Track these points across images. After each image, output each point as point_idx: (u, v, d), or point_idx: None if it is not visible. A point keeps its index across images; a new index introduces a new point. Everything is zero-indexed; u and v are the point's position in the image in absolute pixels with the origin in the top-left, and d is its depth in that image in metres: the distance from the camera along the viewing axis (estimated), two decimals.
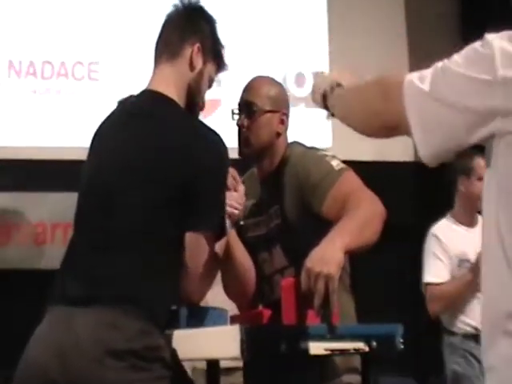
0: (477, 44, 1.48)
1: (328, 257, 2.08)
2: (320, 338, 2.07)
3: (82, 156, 2.23)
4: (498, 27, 1.51)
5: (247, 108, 2.53)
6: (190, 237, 2.06)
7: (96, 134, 2.24)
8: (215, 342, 2.03)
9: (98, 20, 4.35)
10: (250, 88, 2.56)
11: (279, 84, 2.63)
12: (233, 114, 2.55)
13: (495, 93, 1.44)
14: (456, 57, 1.50)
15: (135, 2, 4.34)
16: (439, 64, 1.53)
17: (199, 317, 2.20)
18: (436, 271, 3.76)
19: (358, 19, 4.75)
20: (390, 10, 4.79)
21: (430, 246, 3.81)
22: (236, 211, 2.35)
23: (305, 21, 4.73)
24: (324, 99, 1.88)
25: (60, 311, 2.00)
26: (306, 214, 2.43)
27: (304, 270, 2.08)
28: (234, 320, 2.26)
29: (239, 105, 2.56)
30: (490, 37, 1.46)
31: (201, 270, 2.07)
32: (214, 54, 2.24)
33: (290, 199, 2.48)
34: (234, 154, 2.30)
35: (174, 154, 2.05)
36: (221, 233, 2.14)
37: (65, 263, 2.10)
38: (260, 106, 2.52)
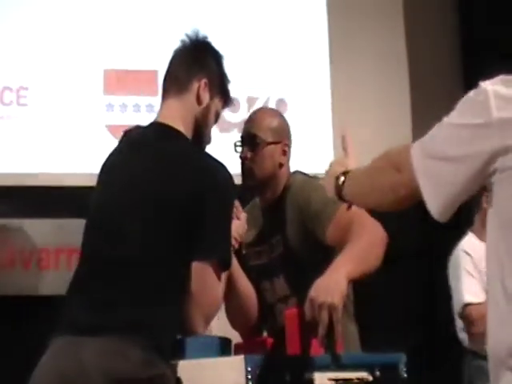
0: (471, 93, 1.53)
1: (332, 286, 2.10)
2: (324, 367, 2.07)
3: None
4: None
5: (250, 140, 2.56)
6: (196, 266, 2.08)
7: (105, 164, 2.27)
8: (220, 372, 2.04)
9: (28, 45, 4.38)
10: (252, 120, 2.60)
11: (280, 115, 2.67)
12: (235, 146, 2.58)
13: (493, 135, 1.47)
14: (452, 112, 1.55)
15: (63, 28, 4.39)
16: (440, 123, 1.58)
17: (204, 346, 2.18)
18: (474, 290, 3.48)
19: (359, 51, 4.75)
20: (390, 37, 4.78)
21: (462, 263, 3.56)
22: (235, 243, 2.36)
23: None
24: (337, 191, 1.90)
25: (66, 341, 2.02)
26: (308, 242, 2.45)
27: (308, 299, 2.09)
28: (237, 348, 2.27)
29: (242, 137, 2.59)
30: (484, 84, 1.51)
31: (206, 299, 2.09)
32: (221, 90, 2.28)
33: (292, 228, 2.50)
34: (236, 180, 2.29)
35: (182, 187, 2.08)
36: (227, 263, 2.16)
37: (71, 292, 2.12)
38: (263, 138, 2.55)
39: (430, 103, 4.29)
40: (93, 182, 2.27)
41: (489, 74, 1.55)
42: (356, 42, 4.69)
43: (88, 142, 4.33)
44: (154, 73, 4.20)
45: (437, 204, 1.56)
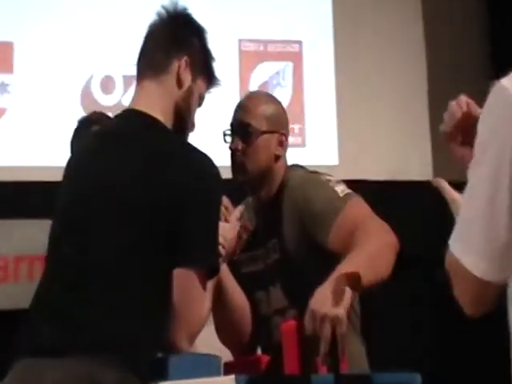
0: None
1: (335, 297, 1.97)
2: None
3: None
4: None
5: (241, 129, 2.39)
6: (178, 273, 1.92)
7: (71, 159, 2.12)
8: None
9: None
10: (243, 107, 2.43)
11: (276, 100, 2.51)
12: (224, 135, 2.42)
13: None
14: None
15: None
16: None
17: (189, 365, 2.02)
18: None
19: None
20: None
21: None
22: (222, 249, 2.22)
23: None
24: None
25: (27, 365, 1.87)
26: (308, 247, 2.30)
27: (308, 311, 1.98)
28: (228, 368, 2.13)
29: (232, 125, 2.42)
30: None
31: (190, 312, 1.94)
32: (204, 69, 2.12)
33: (290, 231, 2.35)
34: (225, 173, 2.15)
35: (160, 184, 1.92)
36: (214, 270, 2.00)
37: (34, 306, 1.97)
38: (256, 126, 2.39)
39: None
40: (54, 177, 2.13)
41: None
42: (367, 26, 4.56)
43: None
44: (9, 45, 3.98)
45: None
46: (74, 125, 2.98)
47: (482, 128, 1.43)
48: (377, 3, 4.63)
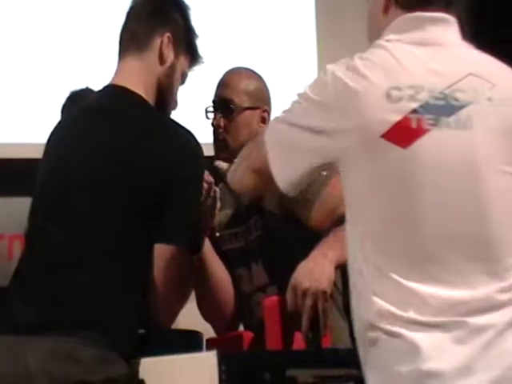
0: (323, 71, 1.71)
1: (317, 271, 2.00)
2: (309, 364, 1.97)
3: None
4: None
5: (223, 106, 2.40)
6: (159, 249, 1.94)
7: (52, 134, 2.11)
8: (189, 370, 1.93)
9: None
10: (225, 83, 2.44)
11: (259, 76, 2.51)
12: (207, 112, 2.43)
13: (329, 117, 1.66)
14: (308, 86, 1.72)
15: None
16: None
17: (170, 341, 2.08)
18: None
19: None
20: None
21: None
22: None
23: None
24: None
25: (6, 342, 1.88)
26: (290, 225, 2.32)
27: (290, 286, 2.00)
28: (210, 344, 2.17)
29: (214, 102, 2.43)
30: (330, 65, 1.70)
31: (172, 288, 1.96)
32: (187, 45, 2.12)
33: (272, 207, 2.36)
34: (207, 151, 2.17)
35: (141, 159, 1.94)
36: (196, 246, 2.03)
37: (13, 284, 1.98)
38: (238, 103, 2.40)
39: None
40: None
41: None
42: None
43: None
44: None
45: (284, 173, 1.71)
46: (58, 100, 2.98)
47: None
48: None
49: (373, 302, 1.60)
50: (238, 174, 1.87)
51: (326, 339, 2.00)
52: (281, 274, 2.15)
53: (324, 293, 1.98)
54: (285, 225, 2.34)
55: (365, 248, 1.63)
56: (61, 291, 1.88)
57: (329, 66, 1.69)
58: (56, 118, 2.94)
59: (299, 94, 1.72)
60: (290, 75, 4.04)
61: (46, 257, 1.93)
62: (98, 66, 3.69)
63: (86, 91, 2.92)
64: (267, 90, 2.48)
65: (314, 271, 1.99)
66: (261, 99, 2.43)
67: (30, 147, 3.81)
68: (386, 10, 1.74)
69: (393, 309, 1.58)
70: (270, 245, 2.37)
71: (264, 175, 1.75)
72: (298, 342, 2.02)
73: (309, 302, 1.96)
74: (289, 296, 1.99)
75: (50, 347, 1.82)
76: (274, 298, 2.08)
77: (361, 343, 1.65)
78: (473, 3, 4.42)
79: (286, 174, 1.71)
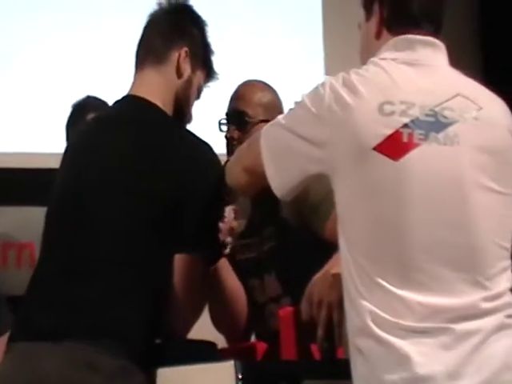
0: (321, 82, 1.78)
1: (332, 283, 1.97)
2: (324, 375, 1.96)
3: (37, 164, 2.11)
4: None
5: (237, 118, 2.43)
6: (178, 260, 1.97)
7: (70, 145, 2.15)
8: (206, 380, 1.93)
9: None
10: (239, 95, 2.47)
11: (272, 89, 2.54)
12: (220, 124, 2.45)
13: (323, 128, 1.73)
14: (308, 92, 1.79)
15: None
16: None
17: (185, 351, 2.07)
18: None
19: None
20: None
21: None
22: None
23: None
24: None
25: (24, 348, 1.89)
26: (304, 235, 2.34)
27: (305, 296, 2.00)
28: (223, 354, 2.15)
29: (227, 115, 2.46)
30: (328, 78, 1.77)
31: (189, 297, 1.99)
32: (204, 61, 2.15)
33: (286, 220, 2.38)
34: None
35: (160, 170, 1.96)
36: (214, 257, 2.05)
37: (31, 290, 1.99)
38: (252, 115, 2.43)
39: None
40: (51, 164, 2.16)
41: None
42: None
43: None
44: None
45: (278, 177, 1.79)
46: (65, 110, 2.98)
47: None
48: None
49: (362, 307, 1.67)
50: (231, 170, 1.94)
51: (340, 350, 1.97)
52: (294, 285, 2.15)
53: (339, 304, 1.94)
54: (299, 235, 2.36)
55: (355, 255, 1.70)
56: (78, 299, 1.89)
57: (327, 79, 1.77)
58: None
59: (297, 102, 1.79)
60: (296, 88, 4.06)
61: (64, 265, 1.94)
62: (108, 75, 3.72)
63: (90, 100, 2.93)
64: (281, 103, 2.50)
65: (329, 282, 1.97)
66: (274, 111, 2.40)
67: (38, 157, 3.85)
68: (378, 35, 1.84)
69: (382, 314, 1.65)
70: (283, 255, 2.39)
71: (256, 174, 1.84)
72: (313, 352, 2.01)
73: (324, 312, 1.95)
74: (304, 306, 1.98)
75: (69, 355, 1.83)
76: (289, 309, 2.09)
77: (351, 351, 1.71)
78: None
79: (279, 178, 1.79)
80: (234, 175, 1.94)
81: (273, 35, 4.39)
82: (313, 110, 1.74)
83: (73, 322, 1.87)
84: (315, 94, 1.76)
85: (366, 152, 1.68)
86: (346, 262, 1.73)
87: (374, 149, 1.68)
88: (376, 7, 1.84)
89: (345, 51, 4.55)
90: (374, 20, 1.84)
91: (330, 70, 4.44)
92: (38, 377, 1.83)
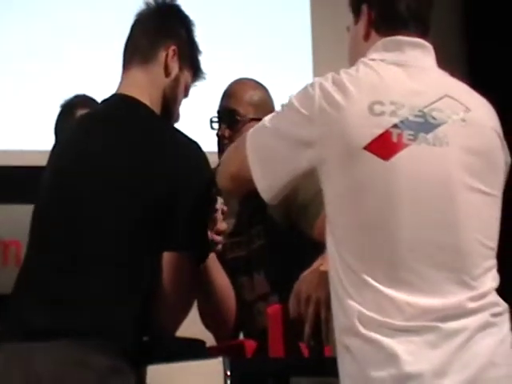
0: (309, 83, 1.80)
1: (320, 280, 1.98)
2: (312, 372, 1.98)
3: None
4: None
5: (228, 116, 2.45)
6: (167, 258, 1.97)
7: (58, 143, 2.15)
8: (196, 377, 1.94)
9: None
10: (230, 94, 2.48)
11: (263, 87, 2.55)
12: (211, 122, 2.47)
13: (313, 128, 1.74)
14: (294, 96, 1.81)
15: None
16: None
17: (173, 349, 2.07)
18: None
19: None
20: None
21: None
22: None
23: None
24: None
25: (15, 348, 1.88)
26: (293, 234, 2.36)
27: (293, 294, 2.01)
28: (211, 352, 2.14)
29: (219, 113, 2.48)
30: (317, 78, 1.79)
31: (178, 295, 1.99)
32: (191, 60, 2.15)
33: (275, 218, 2.40)
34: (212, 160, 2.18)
35: (148, 168, 1.96)
36: (202, 256, 2.05)
37: (20, 289, 1.98)
38: (243, 113, 2.45)
39: None
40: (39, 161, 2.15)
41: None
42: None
43: None
44: None
45: (264, 179, 1.80)
46: (52, 107, 2.97)
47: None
48: None
49: (349, 306, 1.69)
50: (220, 175, 1.97)
51: (328, 347, 1.99)
52: (282, 283, 2.17)
53: (326, 301, 1.96)
54: (287, 234, 2.38)
55: (343, 254, 1.72)
56: (69, 297, 1.89)
57: (316, 79, 1.78)
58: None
59: (285, 104, 1.81)
60: (285, 86, 4.08)
61: (54, 263, 1.94)
62: (100, 74, 3.72)
63: (78, 98, 2.91)
64: (272, 101, 2.51)
65: (316, 280, 1.99)
66: (265, 110, 2.42)
67: (23, 155, 3.84)
68: (366, 36, 1.86)
69: (369, 314, 1.67)
70: (272, 254, 2.41)
71: (242, 178, 1.86)
72: (301, 349, 2.03)
73: (311, 309, 1.97)
74: (292, 303, 2.00)
75: (61, 354, 1.83)
76: (277, 306, 2.09)
77: (338, 349, 1.74)
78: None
79: (266, 181, 1.81)
80: (223, 180, 1.96)
81: (261, 33, 4.42)
82: (302, 110, 1.75)
83: (64, 321, 1.87)
84: (304, 94, 1.78)
85: (357, 151, 1.71)
86: (334, 261, 1.75)
87: (365, 148, 1.70)
88: (364, 9, 1.86)
89: (333, 48, 4.58)
90: (363, 22, 1.87)
91: (318, 68, 4.48)
92: (29, 377, 1.83)
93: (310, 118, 1.74)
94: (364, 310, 1.68)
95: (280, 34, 4.44)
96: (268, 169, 1.80)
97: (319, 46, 4.52)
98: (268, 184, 1.81)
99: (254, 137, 1.84)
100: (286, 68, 4.36)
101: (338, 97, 1.73)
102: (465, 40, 4.77)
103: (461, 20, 4.80)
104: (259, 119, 2.37)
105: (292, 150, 1.76)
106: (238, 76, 2.58)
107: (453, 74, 1.89)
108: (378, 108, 1.72)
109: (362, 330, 1.68)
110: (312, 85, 1.77)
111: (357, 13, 1.89)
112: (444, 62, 1.91)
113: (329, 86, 1.75)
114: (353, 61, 1.87)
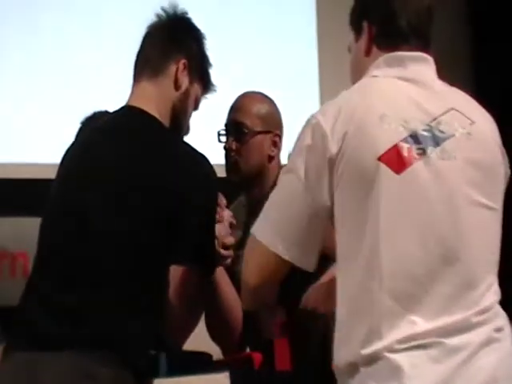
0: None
1: (328, 293, 1.97)
2: None
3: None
4: None
5: (236, 129, 2.45)
6: (175, 270, 1.99)
7: (66, 154, 2.14)
8: None
9: None
10: (238, 107, 2.48)
11: (271, 101, 2.55)
12: (219, 135, 2.47)
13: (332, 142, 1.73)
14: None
15: None
16: None
17: (181, 362, 2.11)
18: None
19: None
20: None
21: None
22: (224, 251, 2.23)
23: None
24: None
25: (20, 359, 1.88)
26: None
27: (301, 306, 2.03)
28: (219, 365, 2.19)
29: (226, 125, 2.48)
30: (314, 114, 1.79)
31: (185, 308, 2.02)
32: (201, 73, 2.15)
33: None
34: (221, 172, 2.23)
35: (156, 182, 1.96)
36: (209, 269, 2.06)
37: (29, 299, 1.98)
38: (250, 126, 2.44)
39: None
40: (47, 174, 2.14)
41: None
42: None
43: None
44: None
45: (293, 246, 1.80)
46: (60, 120, 2.97)
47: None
48: None
49: (359, 324, 1.69)
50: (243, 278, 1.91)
51: None
52: (288, 296, 2.13)
53: (333, 315, 1.92)
54: None
55: (354, 269, 1.71)
56: (77, 306, 1.89)
57: (317, 111, 1.79)
58: (66, 138, 2.99)
59: (285, 171, 1.81)
60: (292, 100, 4.11)
61: (64, 275, 1.94)
62: (110, 86, 3.72)
63: (97, 114, 2.94)
64: (279, 114, 2.52)
65: (324, 293, 2.01)
66: (273, 123, 2.47)
67: (30, 167, 3.85)
68: (367, 52, 1.87)
69: (378, 331, 1.67)
70: None
71: (270, 269, 1.83)
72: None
73: (319, 323, 1.99)
74: (299, 317, 2.02)
75: (69, 365, 1.82)
76: (284, 319, 2.11)
77: (339, 376, 1.74)
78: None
79: (300, 252, 1.79)
80: (249, 281, 1.90)
81: (268, 46, 4.44)
82: (310, 143, 1.75)
83: (72, 332, 1.87)
84: (307, 136, 1.77)
85: (371, 162, 1.71)
86: (342, 275, 1.75)
87: (379, 159, 1.70)
88: (365, 25, 1.87)
89: (339, 61, 4.60)
90: (364, 38, 1.87)
91: (324, 82, 4.49)
92: None
93: (326, 137, 1.74)
94: (373, 327, 1.68)
95: (287, 50, 4.45)
96: (297, 241, 1.79)
97: (325, 60, 4.53)
98: (302, 252, 1.81)
99: (259, 231, 1.85)
100: (292, 81, 4.38)
101: (348, 109, 1.74)
102: (470, 50, 4.78)
103: (466, 31, 4.81)
104: (266, 132, 2.46)
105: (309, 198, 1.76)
106: (246, 89, 2.59)
107: (457, 84, 1.90)
108: (387, 122, 1.73)
109: (370, 348, 1.67)
110: (315, 116, 1.78)
111: (358, 30, 1.89)
112: (448, 73, 1.92)
113: (340, 99, 1.78)
114: (355, 78, 1.88)
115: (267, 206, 1.83)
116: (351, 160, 1.71)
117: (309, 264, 1.80)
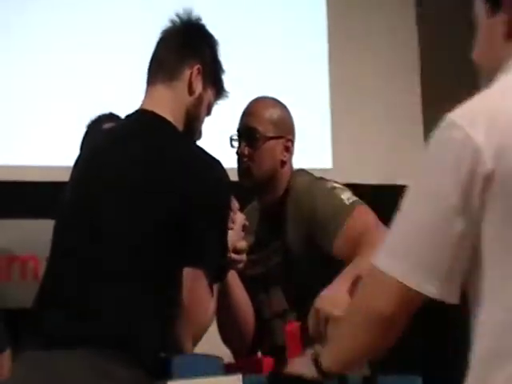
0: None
1: (340, 298, 2.01)
2: None
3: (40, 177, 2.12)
4: None
5: (248, 134, 2.45)
6: (187, 273, 1.99)
7: (81, 158, 2.16)
8: None
9: None
10: (250, 112, 2.49)
11: (283, 106, 2.55)
12: (231, 140, 2.48)
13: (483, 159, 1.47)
14: None
15: None
16: None
17: (192, 365, 2.06)
18: None
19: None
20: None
21: None
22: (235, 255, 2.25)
23: None
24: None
25: (37, 356, 1.90)
26: (311, 252, 2.36)
27: (312, 311, 2.02)
28: (230, 369, 2.16)
29: (238, 131, 2.49)
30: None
31: (197, 311, 2.01)
32: (215, 79, 2.18)
33: (294, 235, 2.41)
34: (234, 175, 2.24)
35: (171, 185, 1.99)
36: (221, 274, 2.08)
37: (42, 298, 2.00)
38: (262, 132, 2.45)
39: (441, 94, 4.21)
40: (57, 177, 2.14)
41: None
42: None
43: None
44: None
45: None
46: (72, 123, 2.99)
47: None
48: (370, 6, 4.66)
49: (499, 368, 1.45)
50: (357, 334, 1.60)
51: None
52: (300, 301, 2.19)
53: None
54: (305, 250, 2.38)
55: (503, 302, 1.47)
56: (93, 307, 1.91)
57: (460, 118, 1.48)
58: (75, 141, 3.02)
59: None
60: (303, 104, 4.12)
61: (79, 272, 1.96)
62: (123, 90, 3.75)
63: (103, 116, 2.96)
64: (291, 119, 2.52)
65: (336, 298, 2.01)
66: (285, 128, 2.48)
67: (41, 170, 3.88)
68: (509, 35, 1.53)
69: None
70: (289, 271, 2.41)
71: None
72: None
73: (331, 327, 1.95)
74: (311, 321, 2.01)
75: (84, 361, 1.84)
76: (296, 324, 2.10)
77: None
78: None
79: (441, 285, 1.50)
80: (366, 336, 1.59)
81: (280, 53, 4.45)
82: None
83: (88, 330, 1.88)
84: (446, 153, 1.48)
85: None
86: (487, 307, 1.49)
87: None
88: (507, 1, 1.51)
89: (350, 68, 4.65)
90: (503, 17, 1.52)
91: (335, 87, 4.51)
92: (55, 381, 1.84)
93: (478, 151, 1.46)
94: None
95: (298, 56, 4.47)
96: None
97: (336, 66, 4.55)
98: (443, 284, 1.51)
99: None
100: (303, 86, 4.41)
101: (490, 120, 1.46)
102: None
103: None
104: (279, 137, 2.46)
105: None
106: (258, 94, 2.61)
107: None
108: None
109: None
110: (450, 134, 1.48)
111: (495, 4, 1.53)
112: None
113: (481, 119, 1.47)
114: (486, 60, 1.58)
115: (401, 237, 1.54)
116: (510, 181, 1.44)
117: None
